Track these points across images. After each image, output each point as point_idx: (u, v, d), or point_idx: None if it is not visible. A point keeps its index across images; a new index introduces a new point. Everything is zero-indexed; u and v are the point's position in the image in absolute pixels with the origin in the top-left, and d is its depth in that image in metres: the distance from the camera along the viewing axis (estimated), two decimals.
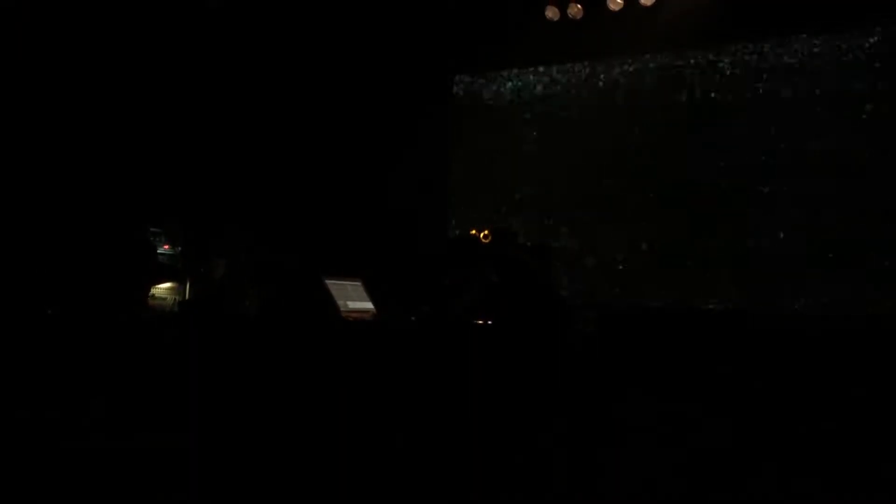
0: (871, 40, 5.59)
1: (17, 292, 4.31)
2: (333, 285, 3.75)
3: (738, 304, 5.78)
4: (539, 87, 6.80)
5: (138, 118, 5.95)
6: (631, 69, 6.42)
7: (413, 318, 3.87)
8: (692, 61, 6.18)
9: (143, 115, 5.97)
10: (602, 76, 6.54)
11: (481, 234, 4.32)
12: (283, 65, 6.56)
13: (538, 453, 3.22)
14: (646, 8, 6.09)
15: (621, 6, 6.16)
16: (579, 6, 6.30)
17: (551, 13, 6.39)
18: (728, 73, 6.05)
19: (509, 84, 6.92)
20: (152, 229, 5.32)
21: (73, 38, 5.55)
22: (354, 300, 3.79)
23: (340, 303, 3.69)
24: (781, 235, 5.72)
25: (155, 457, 3.19)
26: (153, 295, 4.82)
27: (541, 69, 6.78)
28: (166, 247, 5.35)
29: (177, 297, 4.94)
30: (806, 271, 5.61)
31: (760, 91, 5.92)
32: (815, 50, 5.75)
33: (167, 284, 4.96)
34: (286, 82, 6.61)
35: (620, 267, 6.28)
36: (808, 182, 5.67)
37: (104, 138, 5.77)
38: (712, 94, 6.09)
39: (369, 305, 3.89)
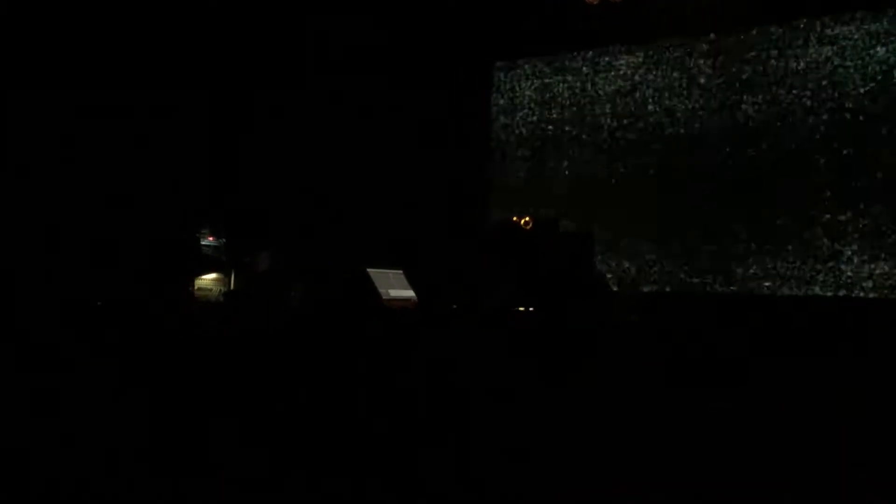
0: None
1: (67, 285, 4.41)
2: (375, 274, 3.77)
3: (791, 289, 5.66)
4: (580, 73, 6.71)
5: (185, 113, 6.03)
6: (676, 54, 6.30)
7: (454, 307, 3.87)
8: (739, 41, 6.04)
9: (190, 110, 6.06)
10: (645, 60, 6.43)
11: (522, 221, 4.29)
12: (322, 55, 6.59)
13: (578, 445, 3.18)
14: None
15: None
16: None
17: None
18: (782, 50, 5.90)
19: (549, 69, 6.85)
20: (197, 221, 5.40)
21: (129, 32, 5.66)
22: (396, 288, 3.80)
23: (382, 291, 3.70)
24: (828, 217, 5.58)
25: (201, 443, 3.23)
26: (198, 286, 4.90)
27: (583, 54, 6.69)
28: (211, 239, 5.43)
29: (221, 289, 5.02)
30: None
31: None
32: None
33: (212, 276, 5.04)
34: (325, 74, 6.63)
35: (665, 254, 6.18)
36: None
37: (151, 133, 5.87)
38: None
39: (411, 293, 3.90)
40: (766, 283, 5.75)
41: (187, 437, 3.31)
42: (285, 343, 3.57)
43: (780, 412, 3.54)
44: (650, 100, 6.36)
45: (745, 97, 5.96)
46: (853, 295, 5.44)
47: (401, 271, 3.99)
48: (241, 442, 3.28)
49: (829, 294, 5.53)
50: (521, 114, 6.94)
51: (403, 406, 3.19)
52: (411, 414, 3.17)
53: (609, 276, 6.08)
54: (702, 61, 6.17)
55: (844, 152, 5.59)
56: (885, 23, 5.51)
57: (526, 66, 6.96)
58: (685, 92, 6.22)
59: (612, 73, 6.55)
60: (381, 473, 2.96)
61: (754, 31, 5.97)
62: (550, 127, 6.79)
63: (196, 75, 6.11)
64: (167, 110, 5.96)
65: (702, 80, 6.15)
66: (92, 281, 4.36)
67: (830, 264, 5.57)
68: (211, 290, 5.00)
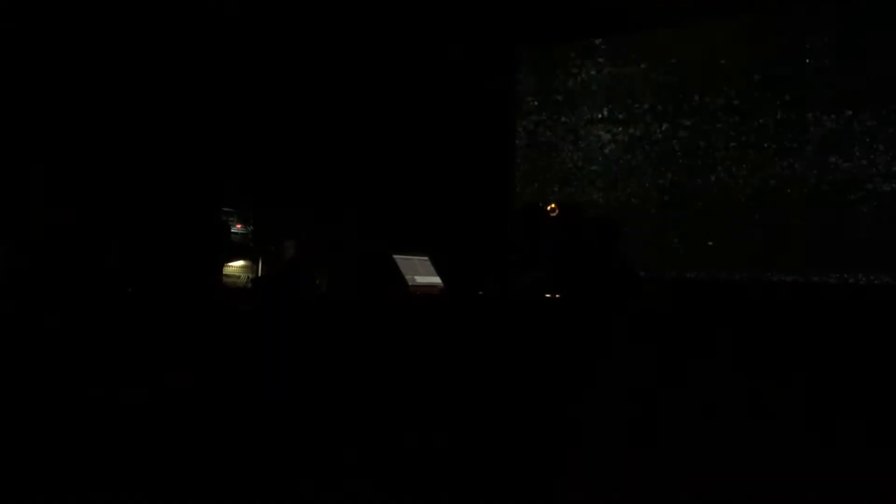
0: None
1: (100, 272, 4.48)
2: (402, 261, 3.78)
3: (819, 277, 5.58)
4: (604, 59, 6.64)
5: (215, 102, 6.08)
6: (704, 41, 6.20)
7: (480, 293, 3.87)
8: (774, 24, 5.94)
9: (220, 99, 6.11)
10: (671, 48, 6.34)
11: (548, 208, 4.28)
12: (345, 43, 6.59)
13: (606, 435, 3.17)
14: None
15: None
16: None
17: None
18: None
19: (573, 55, 6.78)
20: (226, 209, 5.46)
21: (159, 30, 5.72)
22: (422, 275, 3.81)
23: (408, 277, 3.72)
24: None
25: (236, 426, 3.28)
26: (226, 273, 4.95)
27: (606, 41, 6.62)
28: (239, 226, 5.48)
29: (249, 276, 5.07)
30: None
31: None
32: None
33: (240, 263, 5.09)
34: (350, 61, 6.64)
35: (694, 238, 6.11)
36: None
37: (182, 123, 5.93)
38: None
39: (437, 280, 3.90)
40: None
41: (223, 417, 3.36)
42: (312, 330, 3.60)
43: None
44: (682, 86, 6.28)
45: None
46: None
47: (427, 258, 4.00)
48: (274, 431, 3.32)
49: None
50: (547, 96, 6.89)
51: (429, 391, 3.20)
52: (437, 400, 3.18)
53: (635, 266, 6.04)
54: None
55: None
56: None
57: (552, 51, 6.89)
58: (722, 76, 6.13)
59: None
60: (406, 461, 2.99)
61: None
62: (578, 110, 6.73)
63: (230, 68, 6.16)
64: (199, 103, 6.02)
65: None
66: (123, 269, 4.43)
67: None
68: (239, 276, 5.06)
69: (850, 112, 5.60)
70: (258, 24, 6.24)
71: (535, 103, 6.93)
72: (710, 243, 6.04)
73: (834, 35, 5.69)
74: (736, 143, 6.03)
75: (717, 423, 3.31)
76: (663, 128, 6.33)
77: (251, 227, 5.59)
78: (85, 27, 5.45)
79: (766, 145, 5.91)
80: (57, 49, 5.35)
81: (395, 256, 3.77)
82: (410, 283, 3.72)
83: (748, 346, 3.94)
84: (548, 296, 3.72)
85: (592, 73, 6.69)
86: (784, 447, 3.15)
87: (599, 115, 6.63)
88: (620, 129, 6.52)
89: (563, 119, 6.79)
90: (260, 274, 5.06)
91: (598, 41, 6.65)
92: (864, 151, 5.55)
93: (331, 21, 6.46)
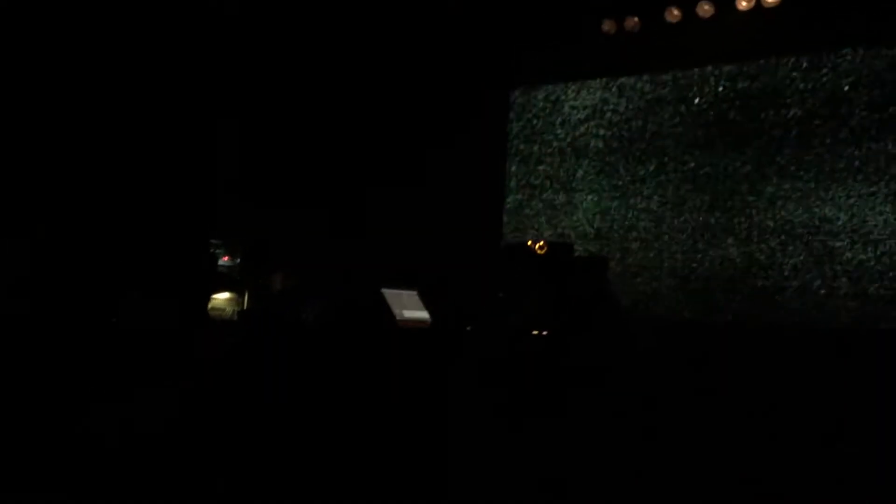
0: None
1: (82, 302, 4.44)
2: (390, 294, 3.78)
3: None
4: (596, 98, 6.75)
5: (201, 132, 6.10)
6: (688, 82, 6.32)
7: (468, 329, 3.87)
8: (754, 71, 6.06)
9: (206, 129, 6.12)
10: (661, 87, 6.46)
11: (537, 245, 4.30)
12: (346, 75, 6.65)
13: (592, 465, 3.16)
14: (705, 20, 6.01)
15: (679, 18, 6.10)
16: (636, 18, 6.26)
17: (608, 26, 6.36)
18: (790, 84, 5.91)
19: (565, 95, 6.89)
20: (213, 241, 5.43)
21: (142, 50, 5.73)
22: (410, 309, 3.80)
23: (396, 311, 3.71)
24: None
25: (214, 459, 3.23)
26: (212, 306, 4.92)
27: (600, 81, 6.73)
28: (225, 258, 5.46)
29: (236, 308, 5.04)
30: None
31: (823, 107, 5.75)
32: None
33: (226, 295, 5.06)
34: (349, 93, 6.70)
35: (687, 279, 6.14)
36: None
37: (167, 152, 5.93)
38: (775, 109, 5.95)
39: (425, 315, 3.90)
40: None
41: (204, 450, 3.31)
42: (300, 363, 3.58)
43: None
44: (670, 125, 6.36)
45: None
46: None
47: (415, 292, 4.00)
48: (252, 462, 3.28)
49: None
50: (537, 133, 6.98)
51: (418, 426, 3.18)
52: (426, 434, 3.16)
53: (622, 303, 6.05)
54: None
55: None
56: None
57: (544, 90, 6.99)
58: (708, 118, 6.21)
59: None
60: (394, 493, 2.95)
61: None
62: (569, 149, 6.80)
63: (210, 94, 6.18)
64: (182, 131, 6.03)
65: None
66: (109, 299, 4.39)
67: None
68: (225, 309, 5.02)
69: None
70: (240, 57, 6.27)
71: (528, 137, 7.01)
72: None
73: None
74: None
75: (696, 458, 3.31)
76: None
77: (238, 260, 5.56)
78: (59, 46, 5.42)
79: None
80: (31, 66, 5.32)
81: (383, 290, 3.77)
82: (398, 318, 3.71)
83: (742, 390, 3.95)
84: (535, 332, 3.72)
85: (585, 109, 6.78)
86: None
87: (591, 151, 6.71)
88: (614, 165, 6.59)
89: (555, 154, 6.86)
90: (246, 307, 5.03)
91: (598, 80, 6.76)
92: None
93: (312, 51, 6.52)
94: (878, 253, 5.41)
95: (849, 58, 5.66)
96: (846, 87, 5.66)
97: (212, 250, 5.34)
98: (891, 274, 5.37)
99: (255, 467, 3.22)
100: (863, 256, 5.46)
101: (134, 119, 5.77)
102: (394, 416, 3.24)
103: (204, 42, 5.96)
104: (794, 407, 3.71)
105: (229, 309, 5.04)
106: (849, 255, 5.51)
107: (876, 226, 5.44)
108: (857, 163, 5.55)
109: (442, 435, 3.19)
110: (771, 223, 5.83)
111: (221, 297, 5.06)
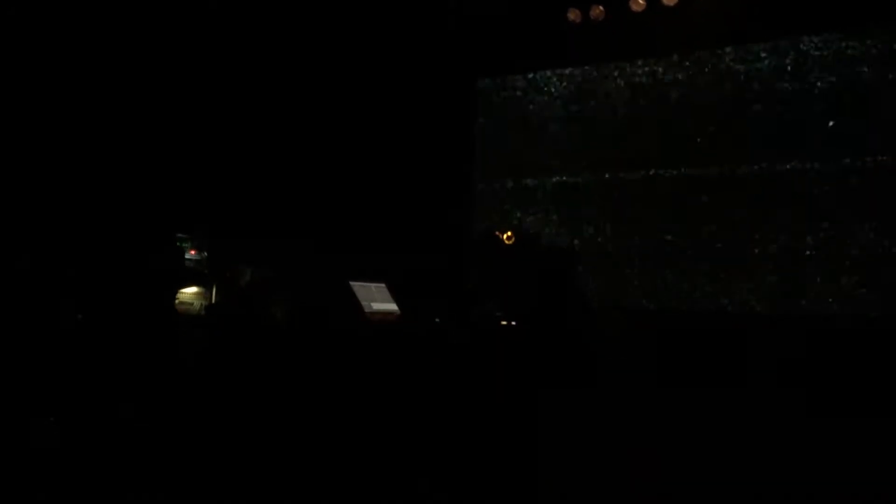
0: None
1: (46, 298, 4.36)
2: (358, 287, 3.77)
3: (770, 307, 5.70)
4: (562, 88, 6.78)
5: (167, 124, 6.01)
6: (655, 69, 6.37)
7: (437, 320, 3.87)
8: (717, 62, 6.12)
9: (172, 121, 6.04)
10: (625, 77, 6.50)
11: (504, 236, 4.31)
12: (309, 68, 6.60)
13: (559, 457, 3.19)
14: (669, 8, 6.06)
15: (643, 7, 6.14)
16: (601, 8, 6.29)
17: (573, 15, 6.39)
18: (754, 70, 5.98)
19: (531, 85, 6.91)
20: (179, 235, 5.36)
21: (111, 45, 5.63)
22: (379, 302, 3.80)
23: (365, 304, 3.71)
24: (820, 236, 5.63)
25: (180, 458, 3.21)
26: (179, 300, 4.86)
27: (565, 71, 6.76)
28: (192, 252, 5.39)
29: (203, 303, 4.98)
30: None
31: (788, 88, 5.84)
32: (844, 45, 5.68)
33: (193, 289, 5.00)
34: (313, 87, 6.64)
35: (649, 269, 6.21)
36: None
37: (133, 144, 5.84)
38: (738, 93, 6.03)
39: (394, 307, 3.90)
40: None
41: (174, 452, 3.28)
42: (268, 358, 3.56)
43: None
44: (636, 114, 6.42)
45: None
46: None
47: (383, 285, 3.99)
48: (228, 458, 3.26)
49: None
50: (505, 124, 7.00)
51: (387, 419, 3.18)
52: (395, 427, 3.17)
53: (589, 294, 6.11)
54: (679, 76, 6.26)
55: None
56: None
57: (510, 81, 7.02)
58: (671, 106, 6.27)
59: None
60: (369, 489, 2.96)
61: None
62: (537, 139, 6.83)
63: (178, 88, 6.10)
64: (150, 122, 5.94)
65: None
66: (74, 293, 4.32)
67: None
68: (192, 304, 4.96)
69: None
70: (214, 45, 6.20)
71: (496, 128, 7.03)
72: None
73: None
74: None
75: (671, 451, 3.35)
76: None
77: (205, 254, 5.50)
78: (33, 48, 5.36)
79: None
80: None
81: (351, 283, 3.76)
82: (367, 310, 3.70)
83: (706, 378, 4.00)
84: (503, 323, 3.74)
85: (551, 98, 6.81)
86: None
87: (559, 141, 6.74)
88: (582, 153, 6.64)
89: (524, 144, 6.89)
90: (214, 301, 4.98)
91: (563, 70, 6.79)
92: None
93: (287, 44, 6.47)
94: None
95: None
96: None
97: (178, 244, 5.27)
98: None
99: (227, 466, 3.20)
100: None
101: (102, 110, 5.68)
102: (363, 411, 3.24)
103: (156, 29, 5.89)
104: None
105: (197, 304, 4.98)
106: None
107: None
108: None
109: (414, 428, 3.20)
110: None
111: (189, 292, 5.00)
